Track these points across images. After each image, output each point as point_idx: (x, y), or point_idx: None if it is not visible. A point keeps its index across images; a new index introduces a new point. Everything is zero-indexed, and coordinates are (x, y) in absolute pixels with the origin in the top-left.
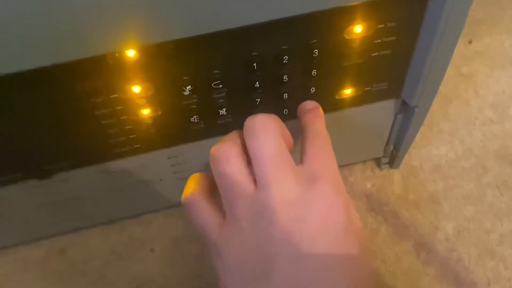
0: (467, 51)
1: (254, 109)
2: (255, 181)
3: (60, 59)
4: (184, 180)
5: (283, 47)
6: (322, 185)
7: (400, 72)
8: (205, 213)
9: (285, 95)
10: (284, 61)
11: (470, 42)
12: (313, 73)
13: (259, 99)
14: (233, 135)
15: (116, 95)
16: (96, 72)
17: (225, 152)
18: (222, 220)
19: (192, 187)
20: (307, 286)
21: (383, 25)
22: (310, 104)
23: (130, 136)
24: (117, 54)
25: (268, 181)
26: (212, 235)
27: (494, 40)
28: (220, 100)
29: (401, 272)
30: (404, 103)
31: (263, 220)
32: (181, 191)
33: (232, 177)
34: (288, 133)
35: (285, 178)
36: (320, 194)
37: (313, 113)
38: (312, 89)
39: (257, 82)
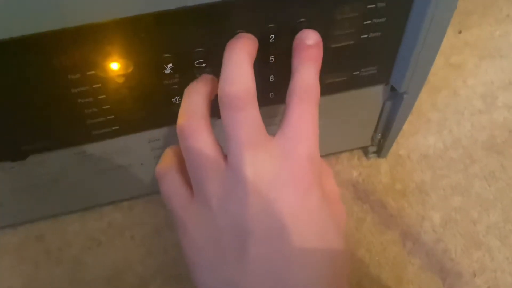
0: (457, 41)
1: None
2: (225, 156)
3: (35, 30)
4: None
5: (269, 25)
6: (298, 160)
7: (390, 56)
8: (174, 185)
9: (271, 77)
10: (271, 41)
11: (459, 32)
12: None
13: None
14: (200, 104)
15: (93, 72)
16: (72, 45)
17: (194, 127)
18: (191, 196)
19: (167, 159)
20: (282, 267)
21: (373, 5)
22: (310, 38)
23: (109, 117)
24: (95, 26)
25: (241, 161)
26: (179, 209)
27: (484, 31)
28: None
29: (386, 261)
30: (393, 89)
31: (235, 199)
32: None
33: (201, 154)
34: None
35: (259, 156)
36: (294, 172)
37: (311, 53)
38: None
39: None
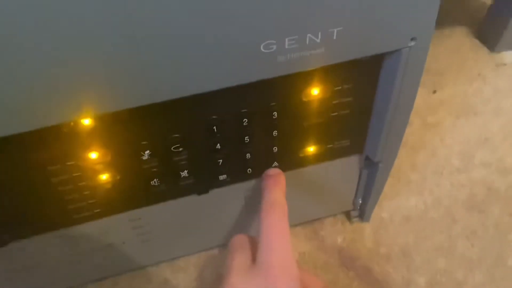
0: (432, 101)
1: (217, 170)
2: None
3: (12, 131)
4: (147, 242)
5: (242, 110)
6: (270, 271)
7: (361, 129)
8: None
9: (248, 155)
10: (244, 124)
11: (434, 92)
12: (274, 133)
13: (221, 160)
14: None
15: (72, 162)
16: (51, 141)
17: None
18: None
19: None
20: None
21: (339, 87)
22: (272, 171)
23: (89, 201)
24: (72, 123)
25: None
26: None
27: (457, 90)
28: (182, 163)
29: None
30: (368, 158)
31: None
32: (145, 252)
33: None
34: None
35: (240, 278)
36: (267, 279)
37: (273, 179)
38: (275, 149)
39: (218, 144)
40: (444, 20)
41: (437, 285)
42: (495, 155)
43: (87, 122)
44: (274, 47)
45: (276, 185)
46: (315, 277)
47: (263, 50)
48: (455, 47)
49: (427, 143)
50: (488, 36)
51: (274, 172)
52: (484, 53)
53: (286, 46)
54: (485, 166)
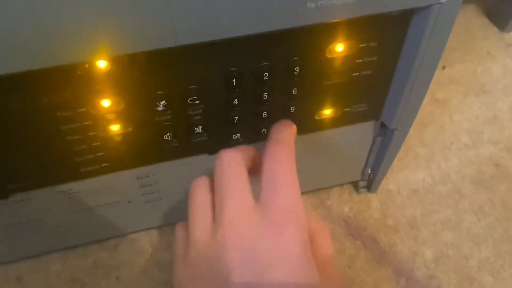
0: (441, 77)
1: (232, 128)
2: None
3: (26, 67)
4: (154, 202)
5: (263, 64)
6: (276, 215)
7: (380, 94)
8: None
9: (264, 114)
10: (265, 78)
11: (443, 68)
12: (293, 91)
13: (237, 117)
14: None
15: (84, 109)
16: (63, 83)
17: (201, 182)
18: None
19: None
20: None
21: (365, 44)
22: (284, 121)
23: (98, 154)
24: (87, 65)
25: (224, 223)
26: (177, 249)
27: (466, 67)
28: (196, 117)
29: None
30: (383, 125)
31: (216, 249)
32: (150, 214)
33: (198, 203)
34: (258, 157)
35: (241, 219)
36: (272, 226)
37: (284, 123)
38: (292, 108)
39: (236, 99)
40: None
41: (443, 258)
42: (504, 133)
43: (102, 65)
44: None
45: (287, 127)
46: (321, 222)
47: None
48: (465, 26)
49: (435, 118)
50: (498, 16)
51: (285, 121)
52: (494, 32)
53: None
54: (493, 144)
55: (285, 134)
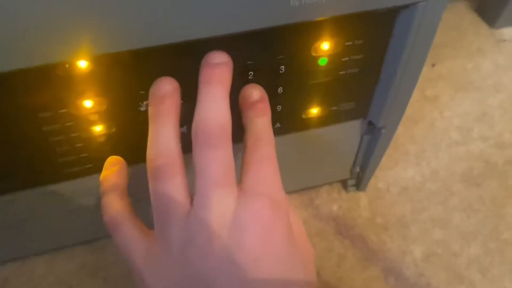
0: (431, 74)
1: None
2: (191, 199)
3: (2, 68)
4: (140, 203)
5: (248, 62)
6: (260, 204)
7: (367, 92)
8: (132, 235)
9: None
10: (250, 77)
11: (433, 65)
12: (279, 90)
13: None
14: (174, 138)
15: (65, 110)
16: (44, 83)
17: (170, 170)
18: (148, 243)
19: (115, 205)
20: None
21: (350, 43)
22: (254, 95)
23: (81, 155)
24: (67, 65)
25: (207, 204)
26: (137, 259)
27: (457, 64)
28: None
29: None
30: (370, 123)
31: (196, 246)
32: (138, 214)
33: (171, 197)
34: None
35: (224, 201)
36: (256, 215)
37: (258, 108)
38: (279, 107)
39: None
40: None
41: (433, 256)
42: (494, 130)
43: (83, 65)
44: None
45: (263, 115)
46: (298, 218)
47: None
48: (455, 22)
49: (425, 115)
50: (488, 12)
51: (256, 96)
52: (484, 28)
53: None
54: (484, 140)
55: (264, 123)
